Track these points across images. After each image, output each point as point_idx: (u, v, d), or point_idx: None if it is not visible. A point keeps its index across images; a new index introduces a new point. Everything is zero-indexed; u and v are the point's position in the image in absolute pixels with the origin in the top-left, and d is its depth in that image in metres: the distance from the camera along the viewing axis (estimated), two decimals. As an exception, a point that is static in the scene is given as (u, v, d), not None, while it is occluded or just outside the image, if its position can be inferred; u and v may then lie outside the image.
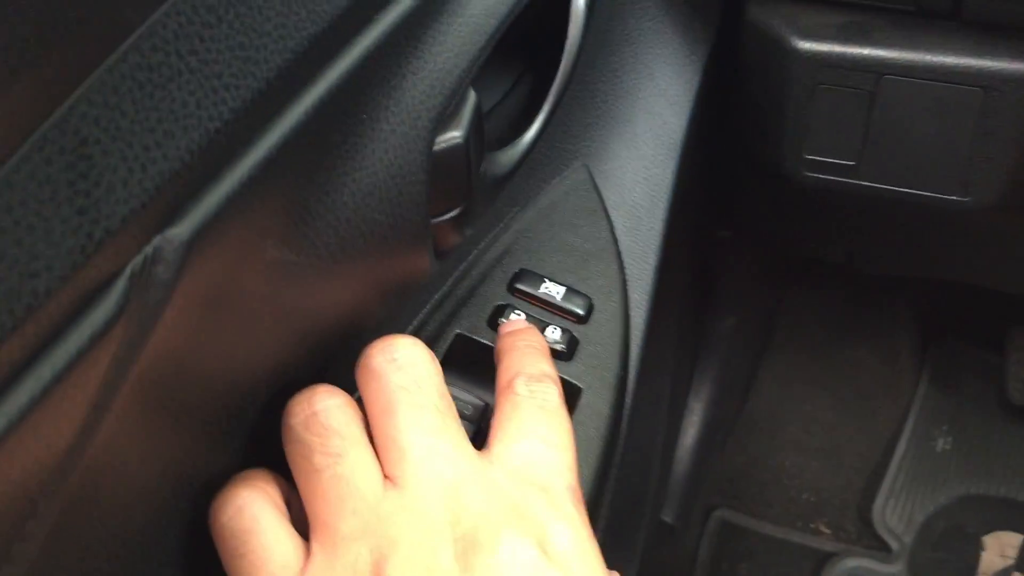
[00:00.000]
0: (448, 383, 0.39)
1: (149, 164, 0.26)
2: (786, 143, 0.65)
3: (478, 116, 0.41)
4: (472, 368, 0.45)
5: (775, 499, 1.09)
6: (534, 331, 0.45)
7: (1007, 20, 0.60)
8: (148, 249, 0.26)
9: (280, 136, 0.30)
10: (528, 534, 0.34)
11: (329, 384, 0.37)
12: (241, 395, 0.35)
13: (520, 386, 0.40)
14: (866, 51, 0.61)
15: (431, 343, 0.47)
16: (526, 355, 0.42)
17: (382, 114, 0.36)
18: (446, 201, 0.41)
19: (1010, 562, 1.03)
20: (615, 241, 0.53)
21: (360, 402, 0.37)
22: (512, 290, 0.49)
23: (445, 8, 0.39)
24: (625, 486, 0.54)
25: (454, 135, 0.40)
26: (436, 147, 0.39)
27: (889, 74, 0.61)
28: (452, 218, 0.42)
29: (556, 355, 0.47)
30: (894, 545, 1.04)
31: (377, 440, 0.36)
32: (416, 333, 0.47)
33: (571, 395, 0.46)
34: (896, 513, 1.06)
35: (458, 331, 0.47)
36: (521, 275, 0.50)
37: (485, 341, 0.47)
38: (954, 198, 0.64)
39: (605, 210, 0.54)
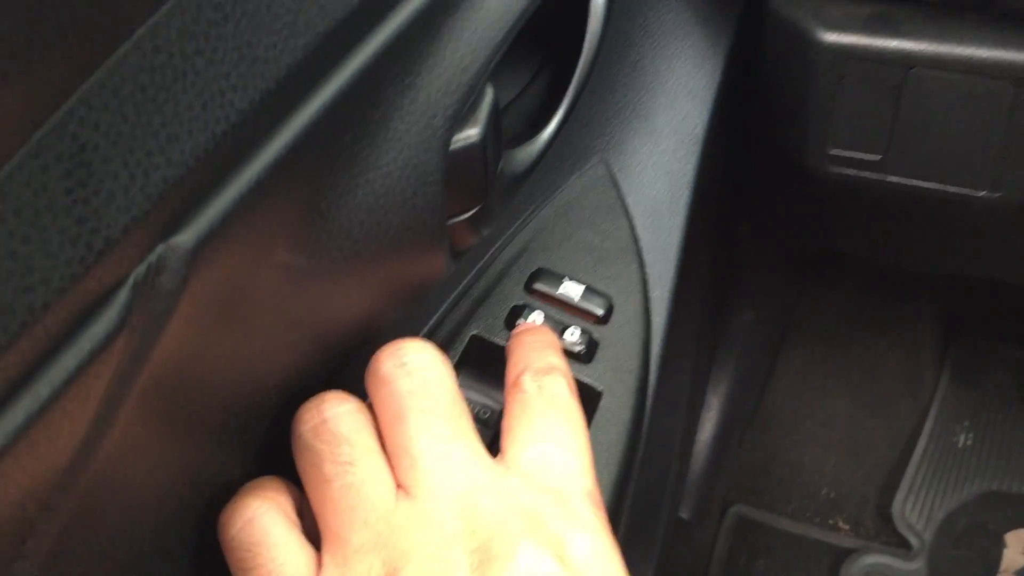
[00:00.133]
0: (463, 386, 0.38)
1: (152, 170, 0.25)
2: (810, 137, 0.64)
3: (496, 113, 0.40)
4: (488, 371, 0.44)
5: (793, 494, 1.09)
6: (544, 328, 0.44)
7: (1040, 11, 0.58)
8: (151, 258, 0.25)
9: (290, 138, 0.29)
10: (546, 544, 0.33)
11: (340, 390, 0.36)
12: (251, 403, 0.34)
13: (527, 382, 0.39)
14: (893, 43, 0.60)
15: (446, 345, 0.46)
16: (533, 349, 0.41)
17: (396, 113, 0.35)
18: (463, 201, 0.40)
19: (1033, 560, 1.02)
20: (635, 239, 0.51)
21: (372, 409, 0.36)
22: (529, 290, 0.48)
23: (461, 2, 0.38)
24: (645, 486, 0.53)
25: (471, 133, 0.38)
26: (453, 146, 0.38)
27: (917, 67, 0.60)
28: (469, 218, 0.41)
29: (575, 357, 0.46)
30: (914, 542, 1.03)
31: (388, 448, 0.35)
32: (430, 335, 0.46)
33: (591, 399, 0.45)
34: (916, 509, 1.06)
35: (474, 332, 0.46)
36: (539, 274, 0.48)
37: (501, 343, 0.45)
38: (983, 194, 0.62)
39: (625, 207, 0.53)
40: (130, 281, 0.25)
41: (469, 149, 0.38)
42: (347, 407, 0.35)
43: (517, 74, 0.52)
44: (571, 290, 0.48)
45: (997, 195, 0.62)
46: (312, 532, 0.35)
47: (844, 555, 1.03)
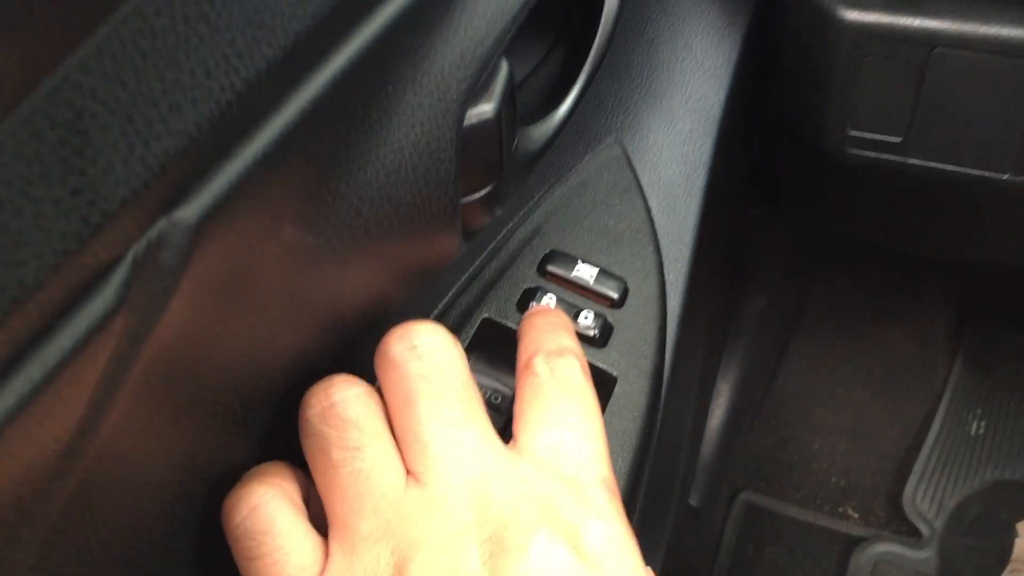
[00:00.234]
0: (474, 371, 0.37)
1: (153, 140, 0.23)
2: (829, 118, 0.63)
3: (511, 89, 0.38)
4: (500, 355, 0.44)
5: (803, 482, 1.08)
6: (556, 310, 0.43)
7: (1068, -11, 0.57)
8: (152, 233, 0.24)
9: (298, 110, 0.28)
10: (560, 534, 0.32)
11: (348, 374, 0.35)
12: (256, 386, 0.33)
13: (539, 365, 0.37)
14: (916, 21, 0.58)
15: (457, 328, 0.45)
16: (544, 331, 0.40)
17: (409, 86, 0.33)
18: (476, 179, 0.39)
19: (1046, 550, 1.01)
20: (650, 221, 0.50)
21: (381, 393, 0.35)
22: (542, 272, 0.47)
23: (477, -28, 0.37)
24: (657, 473, 0.52)
25: (485, 109, 0.37)
26: (466, 122, 0.36)
27: (940, 46, 0.59)
28: (482, 197, 0.39)
29: (589, 341, 0.45)
30: (925, 530, 1.03)
31: (398, 433, 0.34)
32: (441, 317, 0.45)
33: (605, 384, 0.44)
34: (927, 498, 1.05)
35: (485, 315, 0.45)
36: (552, 256, 0.47)
37: (513, 326, 0.44)
38: (1006, 177, 0.61)
39: (640, 188, 0.52)
40: (129, 257, 0.23)
41: (483, 125, 0.37)
42: (356, 391, 0.34)
43: (531, 50, 0.51)
44: (585, 273, 0.47)
45: (1021, 178, 0.61)
46: (320, 519, 0.34)
47: (854, 543, 1.03)
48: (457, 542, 0.31)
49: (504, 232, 0.48)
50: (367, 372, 0.35)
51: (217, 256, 0.27)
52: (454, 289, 0.46)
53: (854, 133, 0.63)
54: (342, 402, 0.34)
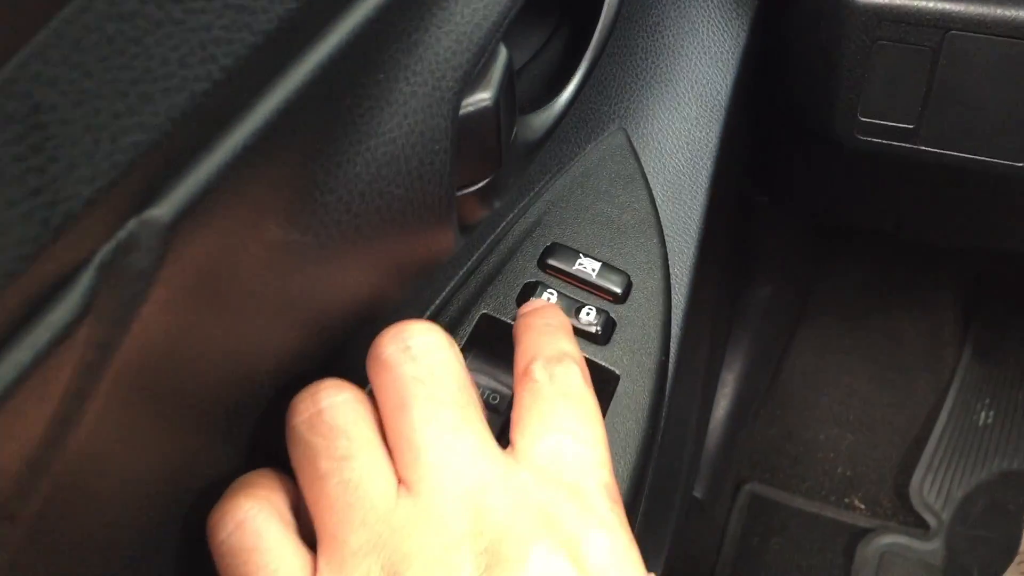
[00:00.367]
0: (472, 369, 0.35)
1: (120, 134, 0.21)
2: (839, 104, 0.61)
3: (510, 76, 0.37)
4: (499, 352, 0.42)
5: (808, 473, 1.08)
6: (554, 308, 0.41)
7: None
8: (121, 235, 0.22)
9: (282, 100, 0.26)
10: (560, 546, 0.31)
11: (337, 378, 0.33)
12: (242, 393, 0.31)
13: (538, 371, 0.36)
14: (930, 3, 0.57)
15: (454, 324, 0.43)
16: (543, 334, 0.38)
17: (401, 74, 0.31)
18: (473, 171, 0.37)
19: (1054, 542, 1.00)
20: (655, 211, 0.49)
21: (373, 396, 0.34)
22: (543, 266, 0.45)
23: (473, -47, 0.35)
24: (661, 470, 0.50)
25: (483, 97, 0.35)
26: (463, 111, 0.34)
27: (955, 29, 0.57)
28: (479, 190, 0.38)
29: (591, 338, 0.44)
30: (932, 522, 1.03)
31: (390, 439, 0.33)
32: (438, 313, 0.43)
33: (607, 383, 0.43)
34: (934, 489, 1.05)
35: (484, 311, 0.44)
36: (553, 249, 0.46)
37: (513, 322, 0.43)
38: (1022, 165, 0.59)
39: (644, 177, 0.50)
40: (96, 261, 0.22)
41: (481, 114, 0.35)
42: (344, 396, 0.33)
43: (532, 36, 0.49)
44: (587, 267, 0.45)
45: (1037, 167, 0.59)
46: (310, 530, 0.32)
47: (860, 535, 1.03)
48: (450, 555, 0.30)
49: (503, 224, 0.47)
50: (359, 375, 0.34)
51: (195, 257, 0.25)
52: (451, 284, 0.44)
53: (864, 119, 0.61)
54: (330, 408, 0.32)
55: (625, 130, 0.52)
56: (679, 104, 0.54)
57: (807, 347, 1.13)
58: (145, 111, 0.22)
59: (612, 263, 0.46)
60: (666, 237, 0.49)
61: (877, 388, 1.11)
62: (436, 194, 0.34)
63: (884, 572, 0.99)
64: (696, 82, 0.55)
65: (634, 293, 0.46)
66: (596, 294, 0.45)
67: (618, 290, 0.45)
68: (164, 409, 0.28)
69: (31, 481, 0.22)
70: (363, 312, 0.35)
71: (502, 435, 0.40)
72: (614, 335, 0.44)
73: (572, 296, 0.45)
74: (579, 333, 0.43)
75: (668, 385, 0.47)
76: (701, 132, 0.54)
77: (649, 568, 0.33)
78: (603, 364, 0.43)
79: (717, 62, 0.56)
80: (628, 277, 0.46)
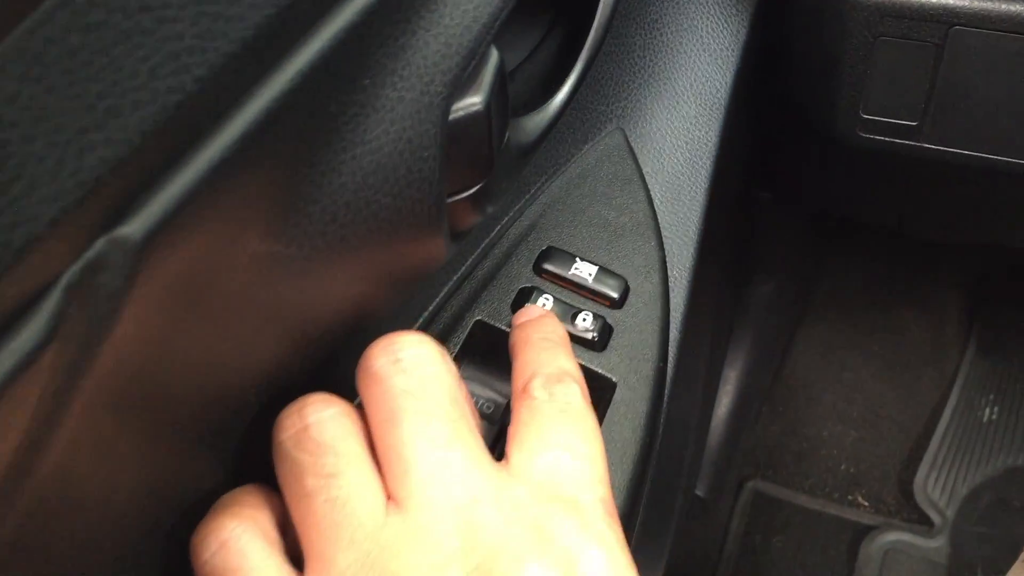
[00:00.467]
0: (465, 378, 0.34)
1: (87, 151, 0.20)
2: (841, 102, 0.60)
3: (501, 78, 0.36)
4: (493, 360, 0.41)
5: (812, 470, 1.07)
6: (551, 319, 0.40)
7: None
8: (89, 255, 0.21)
9: (261, 109, 0.25)
10: (554, 563, 0.30)
11: (325, 392, 0.32)
12: (226, 407, 0.31)
13: (537, 389, 0.35)
14: (933, -1, 0.56)
15: (447, 331, 0.42)
16: (543, 351, 0.37)
17: (388, 79, 0.30)
18: (464, 177, 0.36)
19: (1059, 539, 0.99)
20: (653, 214, 0.48)
21: (362, 409, 0.33)
22: (539, 271, 0.44)
23: (462, -47, 0.34)
24: (661, 473, 0.49)
25: (473, 101, 0.34)
26: (452, 116, 0.33)
27: (958, 25, 0.56)
28: (471, 196, 0.37)
29: (588, 345, 0.43)
30: (936, 519, 1.02)
31: (380, 454, 0.32)
32: (431, 320, 0.43)
33: (604, 391, 0.42)
34: (939, 485, 1.04)
35: (478, 318, 0.43)
36: (549, 253, 0.45)
37: (508, 329, 0.42)
38: (1027, 163, 0.58)
39: (642, 178, 0.49)
40: (62, 283, 0.21)
41: (471, 119, 0.34)
42: (332, 411, 0.32)
43: (525, 36, 0.48)
44: (584, 271, 0.45)
45: (1043, 164, 0.58)
46: (297, 548, 0.31)
47: (864, 532, 1.02)
48: (441, 574, 0.29)
49: (498, 228, 0.46)
50: (348, 389, 0.33)
51: (170, 274, 0.24)
52: (445, 290, 0.43)
53: (867, 117, 0.61)
54: (317, 424, 0.31)
55: (623, 130, 0.51)
56: (678, 103, 0.53)
57: (810, 344, 1.13)
58: (113, 125, 0.21)
59: (609, 267, 0.45)
60: (665, 240, 0.48)
61: (880, 385, 1.11)
62: (425, 202, 0.33)
63: (888, 570, 0.99)
64: (695, 80, 0.54)
65: (631, 298, 0.45)
66: (593, 299, 0.44)
67: (615, 295, 0.44)
68: (144, 427, 0.27)
69: (1, 506, 0.21)
70: (351, 324, 0.35)
71: (496, 444, 0.39)
72: (611, 341, 0.43)
73: (568, 301, 0.44)
74: (575, 339, 0.42)
75: (667, 391, 0.46)
76: (701, 131, 0.53)
77: None
78: (600, 371, 0.42)
79: (717, 59, 0.55)
80: (625, 281, 0.45)
